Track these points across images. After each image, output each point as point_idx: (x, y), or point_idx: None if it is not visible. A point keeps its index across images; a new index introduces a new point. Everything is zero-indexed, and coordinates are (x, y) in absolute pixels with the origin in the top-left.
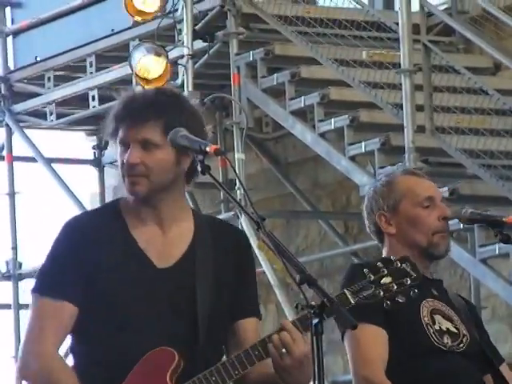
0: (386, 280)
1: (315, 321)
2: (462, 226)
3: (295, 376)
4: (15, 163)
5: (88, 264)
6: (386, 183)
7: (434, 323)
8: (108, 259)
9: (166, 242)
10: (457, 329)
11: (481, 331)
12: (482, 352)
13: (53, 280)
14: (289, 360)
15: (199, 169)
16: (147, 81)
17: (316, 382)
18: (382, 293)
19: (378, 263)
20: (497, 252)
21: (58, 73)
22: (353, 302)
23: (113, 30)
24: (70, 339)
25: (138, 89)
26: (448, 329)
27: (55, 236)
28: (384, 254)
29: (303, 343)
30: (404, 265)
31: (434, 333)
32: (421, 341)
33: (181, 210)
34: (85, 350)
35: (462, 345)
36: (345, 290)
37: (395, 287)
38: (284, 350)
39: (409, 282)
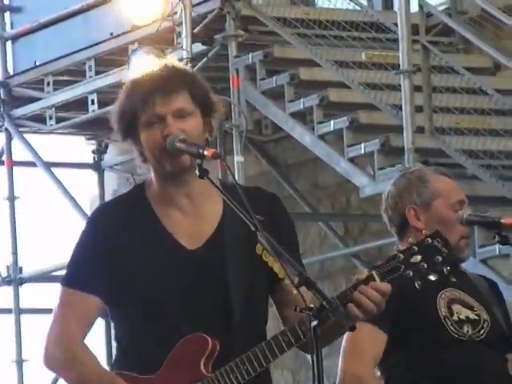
0: (416, 258)
1: (314, 323)
2: None
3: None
4: (15, 168)
5: (116, 254)
6: (419, 178)
7: (452, 314)
8: (137, 248)
9: (195, 220)
10: (477, 315)
11: (503, 309)
12: (503, 333)
13: (78, 272)
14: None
15: (197, 173)
16: None
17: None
18: (411, 273)
19: (409, 239)
20: (497, 252)
21: (57, 77)
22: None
23: (112, 33)
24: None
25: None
26: (468, 317)
27: (82, 227)
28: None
29: None
30: (435, 241)
31: (452, 325)
32: (439, 335)
33: (208, 183)
34: (122, 338)
35: (482, 331)
36: (372, 272)
37: (426, 265)
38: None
39: (440, 259)
